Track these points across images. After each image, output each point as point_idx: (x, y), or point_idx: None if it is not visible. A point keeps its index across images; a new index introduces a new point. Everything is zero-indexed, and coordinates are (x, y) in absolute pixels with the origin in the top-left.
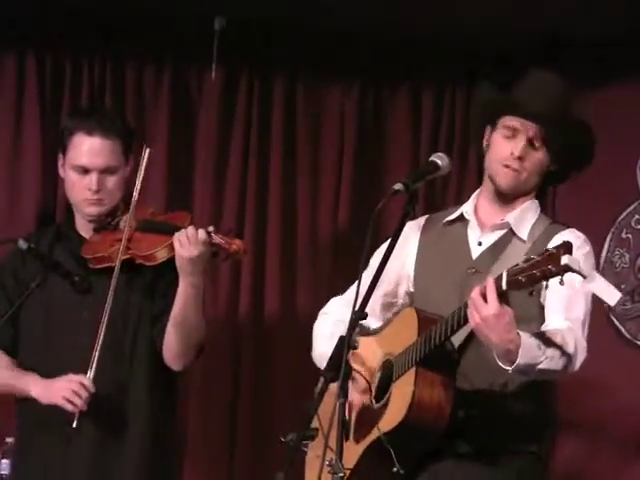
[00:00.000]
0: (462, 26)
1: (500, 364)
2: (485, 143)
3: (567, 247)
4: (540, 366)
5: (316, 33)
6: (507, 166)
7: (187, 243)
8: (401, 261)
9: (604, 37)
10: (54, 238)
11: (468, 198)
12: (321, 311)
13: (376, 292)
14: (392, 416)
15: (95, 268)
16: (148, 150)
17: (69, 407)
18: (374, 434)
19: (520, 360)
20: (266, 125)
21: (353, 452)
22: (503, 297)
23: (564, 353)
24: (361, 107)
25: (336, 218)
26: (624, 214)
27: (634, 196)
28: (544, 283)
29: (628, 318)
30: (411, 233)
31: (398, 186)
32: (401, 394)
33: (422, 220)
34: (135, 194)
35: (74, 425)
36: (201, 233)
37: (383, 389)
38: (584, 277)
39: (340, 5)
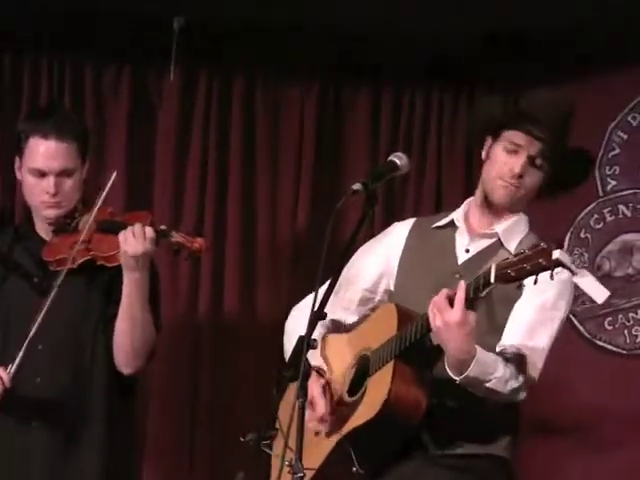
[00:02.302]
0: (421, 26)
1: (449, 372)
2: (484, 153)
3: (558, 242)
4: (488, 384)
5: (275, 33)
6: (506, 182)
7: (132, 240)
8: (385, 259)
9: (556, 38)
10: (13, 240)
11: (427, 198)
12: (295, 307)
13: (358, 286)
14: (367, 409)
15: (57, 270)
16: (115, 173)
17: None
18: (348, 427)
19: (470, 373)
20: (225, 126)
21: (325, 445)
22: (471, 303)
23: (513, 378)
24: (320, 107)
25: (295, 218)
26: (583, 214)
27: (593, 196)
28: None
29: (587, 318)
30: (398, 233)
31: (357, 186)
32: (377, 388)
33: (411, 222)
34: (98, 201)
35: None
36: (148, 230)
37: (358, 384)
38: (574, 273)
39: (298, 5)
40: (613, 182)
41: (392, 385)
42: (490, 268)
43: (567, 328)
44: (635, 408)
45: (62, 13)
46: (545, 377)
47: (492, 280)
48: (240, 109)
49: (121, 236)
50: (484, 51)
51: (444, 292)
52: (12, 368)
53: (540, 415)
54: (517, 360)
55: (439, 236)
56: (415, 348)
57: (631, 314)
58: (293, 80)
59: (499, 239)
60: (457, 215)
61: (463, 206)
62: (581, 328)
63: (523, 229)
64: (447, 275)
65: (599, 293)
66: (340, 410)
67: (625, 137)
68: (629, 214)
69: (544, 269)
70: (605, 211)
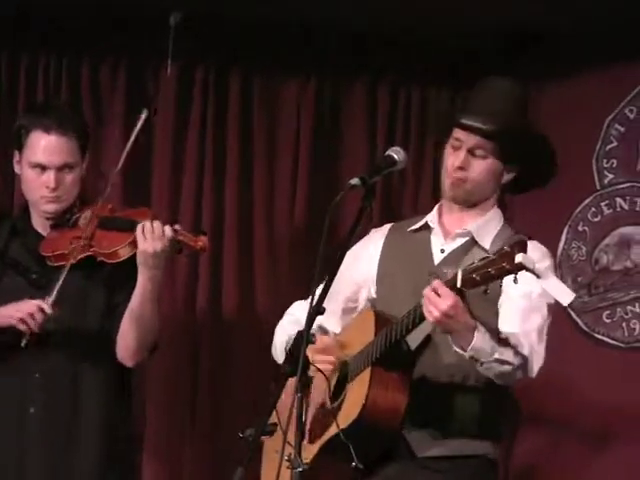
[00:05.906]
0: (419, 23)
1: (456, 349)
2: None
3: (522, 245)
4: (497, 355)
5: (271, 27)
6: (450, 176)
7: (151, 237)
8: (364, 267)
9: (555, 32)
10: (9, 234)
11: (425, 193)
12: (287, 312)
13: (339, 297)
14: (345, 416)
15: (55, 265)
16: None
17: (22, 327)
18: (330, 433)
19: (476, 343)
20: (222, 121)
21: (308, 452)
22: (458, 292)
23: (518, 353)
24: (317, 102)
25: (293, 214)
26: (580, 207)
27: (590, 189)
28: (500, 284)
29: (585, 311)
30: (375, 240)
31: (355, 181)
32: (356, 394)
33: (386, 228)
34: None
35: (22, 344)
36: (167, 229)
37: (340, 390)
38: (538, 276)
39: (296, 1)
40: (610, 175)
41: (369, 391)
42: (457, 273)
43: (565, 321)
44: (633, 401)
45: (58, 9)
46: (543, 370)
47: (459, 285)
48: (237, 104)
49: (139, 234)
50: (481, 46)
51: (429, 288)
52: (51, 298)
53: (537, 409)
54: (516, 337)
55: (415, 239)
56: (393, 352)
57: (629, 307)
58: (290, 74)
59: (472, 237)
60: (431, 217)
61: (436, 208)
62: (579, 321)
63: (497, 224)
64: (424, 276)
65: (564, 295)
66: (323, 416)
67: (622, 130)
68: (627, 207)
69: (508, 273)
70: (603, 204)
